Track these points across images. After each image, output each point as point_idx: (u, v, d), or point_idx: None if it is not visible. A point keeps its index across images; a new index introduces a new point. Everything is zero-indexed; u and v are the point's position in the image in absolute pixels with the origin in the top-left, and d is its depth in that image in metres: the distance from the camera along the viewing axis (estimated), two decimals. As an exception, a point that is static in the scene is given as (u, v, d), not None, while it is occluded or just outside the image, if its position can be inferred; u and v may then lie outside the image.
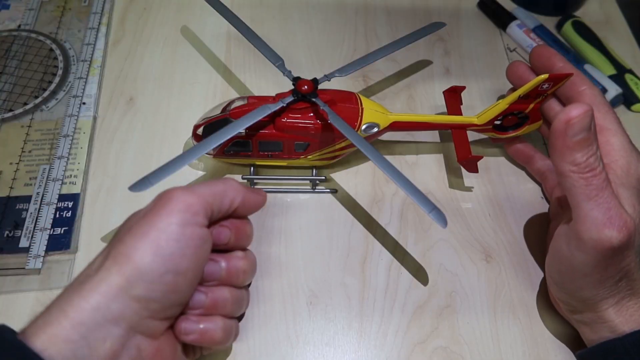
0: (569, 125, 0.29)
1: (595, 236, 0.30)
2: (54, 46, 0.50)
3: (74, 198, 0.41)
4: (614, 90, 0.49)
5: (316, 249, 0.40)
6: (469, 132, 0.43)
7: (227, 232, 0.32)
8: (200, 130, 0.40)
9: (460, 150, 0.42)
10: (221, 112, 0.39)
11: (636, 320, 0.32)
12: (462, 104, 0.46)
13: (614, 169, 0.33)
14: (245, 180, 0.42)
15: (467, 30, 0.55)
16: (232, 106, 0.39)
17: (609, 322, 0.33)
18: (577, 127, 0.29)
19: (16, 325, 0.35)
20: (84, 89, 0.47)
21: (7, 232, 0.39)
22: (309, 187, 0.43)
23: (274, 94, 0.40)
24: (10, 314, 0.36)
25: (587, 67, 0.51)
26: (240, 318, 0.36)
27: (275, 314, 0.37)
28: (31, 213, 0.40)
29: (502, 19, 0.55)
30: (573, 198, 0.31)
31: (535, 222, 0.42)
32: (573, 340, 0.37)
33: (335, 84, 0.41)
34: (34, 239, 0.39)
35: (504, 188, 0.44)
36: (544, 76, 0.37)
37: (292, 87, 0.39)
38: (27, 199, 0.41)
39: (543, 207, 0.43)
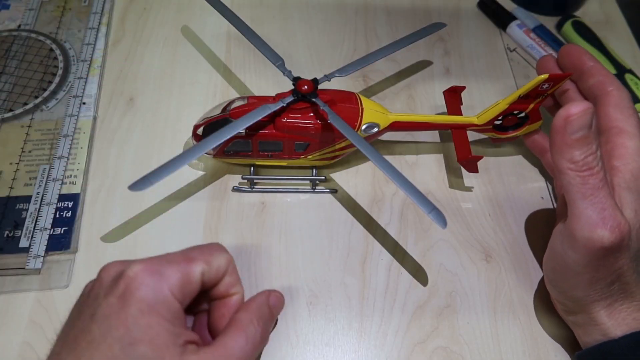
0: (568, 122, 0.29)
1: (587, 235, 0.30)
2: (54, 46, 0.50)
3: (74, 198, 0.41)
4: (614, 90, 0.49)
5: (316, 249, 0.40)
6: (469, 132, 0.43)
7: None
8: (200, 130, 0.40)
9: (460, 151, 0.42)
10: (221, 112, 0.39)
11: (628, 324, 0.32)
12: (462, 104, 0.46)
13: (623, 172, 0.33)
14: (245, 181, 0.43)
15: (467, 30, 0.55)
16: (232, 106, 0.39)
17: (600, 325, 0.33)
18: (576, 125, 0.29)
19: (16, 324, 0.35)
20: (84, 89, 0.47)
21: (7, 232, 0.39)
22: (309, 187, 0.43)
23: (274, 94, 0.40)
24: (10, 314, 0.36)
25: (587, 67, 0.51)
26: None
27: (275, 314, 0.37)
28: (31, 213, 0.40)
29: (502, 19, 0.55)
30: (569, 195, 0.31)
31: (535, 222, 0.42)
32: (573, 340, 0.37)
33: (335, 84, 0.41)
34: (34, 239, 0.39)
35: (504, 188, 0.44)
36: (544, 76, 0.37)
37: (292, 87, 0.39)
38: (27, 199, 0.41)
39: (543, 207, 0.43)
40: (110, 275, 0.29)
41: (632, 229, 0.31)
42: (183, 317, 0.29)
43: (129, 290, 0.27)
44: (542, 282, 0.39)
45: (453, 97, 0.46)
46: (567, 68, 0.40)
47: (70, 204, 0.41)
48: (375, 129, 0.40)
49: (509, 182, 0.44)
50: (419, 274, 0.39)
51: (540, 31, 0.54)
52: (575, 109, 0.29)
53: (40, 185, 0.41)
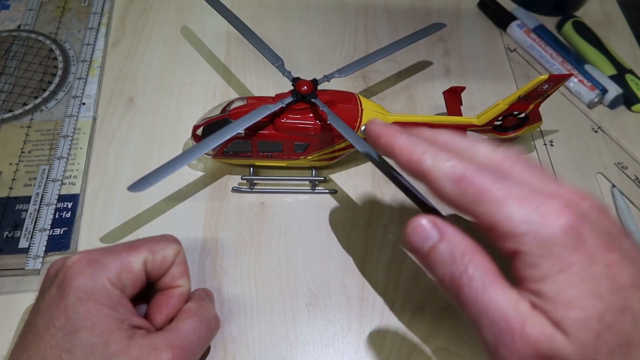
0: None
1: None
2: (53, 46, 0.50)
3: (74, 199, 0.41)
4: (614, 90, 0.49)
5: (316, 249, 0.40)
6: (468, 133, 0.43)
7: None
8: (199, 131, 0.40)
9: (460, 151, 0.42)
10: (220, 113, 0.39)
11: None
12: (462, 104, 0.46)
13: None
14: (245, 181, 0.43)
15: (467, 30, 0.55)
16: (232, 107, 0.39)
17: None
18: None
19: (15, 325, 0.35)
20: (83, 90, 0.47)
21: (6, 232, 0.39)
22: (308, 188, 0.43)
23: (273, 95, 0.40)
24: (9, 314, 0.36)
25: (587, 67, 0.51)
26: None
27: (274, 314, 0.37)
28: (31, 214, 0.40)
29: (502, 19, 0.55)
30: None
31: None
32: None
33: (335, 85, 0.41)
34: (33, 239, 0.39)
35: (503, 188, 0.44)
36: (544, 77, 0.37)
37: (292, 87, 0.39)
38: (26, 199, 0.41)
39: (543, 207, 0.43)
40: (54, 269, 0.30)
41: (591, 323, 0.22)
42: (128, 304, 0.29)
43: (66, 279, 0.28)
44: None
45: (453, 97, 0.46)
46: None
47: (70, 205, 0.41)
48: (375, 130, 0.40)
49: (509, 183, 0.44)
50: (419, 275, 0.39)
51: (541, 31, 0.53)
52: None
53: (39, 186, 0.41)
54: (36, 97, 0.47)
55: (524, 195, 0.23)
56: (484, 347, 0.23)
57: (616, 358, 0.21)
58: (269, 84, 0.49)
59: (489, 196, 0.24)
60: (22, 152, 0.43)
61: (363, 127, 0.39)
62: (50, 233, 0.39)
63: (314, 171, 0.42)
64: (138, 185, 0.34)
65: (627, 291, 0.21)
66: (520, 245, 0.23)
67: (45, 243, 0.39)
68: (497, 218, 0.23)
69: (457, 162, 0.25)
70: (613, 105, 0.49)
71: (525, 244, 0.22)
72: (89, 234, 0.40)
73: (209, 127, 0.39)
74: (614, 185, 0.44)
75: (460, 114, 0.45)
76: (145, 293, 0.33)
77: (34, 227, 0.39)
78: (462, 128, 0.42)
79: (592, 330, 0.21)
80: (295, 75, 0.39)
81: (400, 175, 0.35)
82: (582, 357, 0.21)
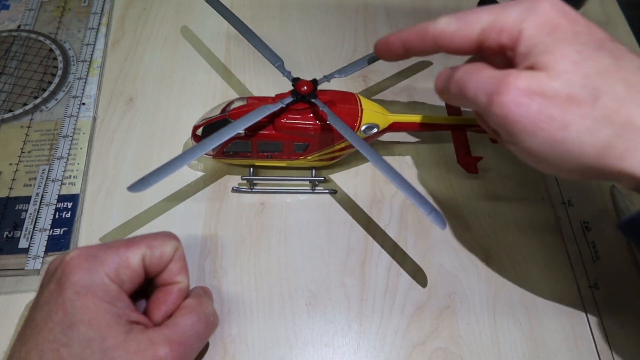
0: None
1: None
2: (53, 46, 0.50)
3: (73, 199, 0.41)
4: (614, 90, 0.49)
5: (315, 249, 0.40)
6: (468, 133, 0.43)
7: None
8: (199, 131, 0.40)
9: (460, 151, 0.42)
10: (220, 113, 0.39)
11: None
12: (462, 104, 0.46)
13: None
14: (245, 181, 0.43)
15: (467, 31, 0.55)
16: (232, 107, 0.39)
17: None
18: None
19: (15, 325, 0.35)
20: (83, 90, 0.47)
21: (6, 232, 0.39)
22: (308, 188, 0.43)
23: (273, 95, 0.40)
24: (9, 314, 0.36)
25: (587, 67, 0.51)
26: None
27: (274, 314, 0.37)
28: (30, 214, 0.40)
29: (502, 19, 0.55)
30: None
31: (535, 223, 0.42)
32: (574, 342, 0.37)
33: (335, 85, 0.41)
34: (33, 239, 0.39)
35: (503, 188, 0.44)
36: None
37: (292, 87, 0.39)
38: (26, 199, 0.41)
39: (543, 207, 0.43)
40: (54, 265, 0.30)
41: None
42: (126, 299, 0.30)
43: (65, 274, 0.28)
44: (542, 282, 0.39)
45: (453, 97, 0.46)
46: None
47: (70, 205, 0.41)
48: (375, 130, 0.40)
49: (509, 183, 0.44)
50: (419, 275, 0.39)
51: (541, 31, 0.53)
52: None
53: (39, 186, 0.41)
54: (36, 97, 0.47)
55: (506, 5, 0.30)
56: (482, 113, 0.29)
57: (594, 79, 0.26)
58: (269, 84, 0.49)
59: (481, 14, 0.30)
60: (22, 152, 0.43)
61: (363, 127, 0.39)
62: (50, 233, 0.39)
63: (313, 171, 0.42)
64: (138, 185, 0.34)
65: (604, 41, 0.28)
66: (520, 32, 0.28)
67: (45, 243, 0.39)
68: (492, 21, 0.30)
69: (448, 15, 0.33)
70: (613, 105, 0.49)
71: (525, 29, 0.28)
72: (88, 234, 0.40)
73: (209, 127, 0.39)
74: (614, 185, 0.44)
75: (460, 114, 0.45)
76: (145, 290, 0.33)
77: (33, 227, 0.39)
78: (462, 128, 0.42)
79: (571, 60, 0.27)
80: (295, 76, 0.39)
81: (400, 175, 0.35)
82: (565, 83, 0.26)
